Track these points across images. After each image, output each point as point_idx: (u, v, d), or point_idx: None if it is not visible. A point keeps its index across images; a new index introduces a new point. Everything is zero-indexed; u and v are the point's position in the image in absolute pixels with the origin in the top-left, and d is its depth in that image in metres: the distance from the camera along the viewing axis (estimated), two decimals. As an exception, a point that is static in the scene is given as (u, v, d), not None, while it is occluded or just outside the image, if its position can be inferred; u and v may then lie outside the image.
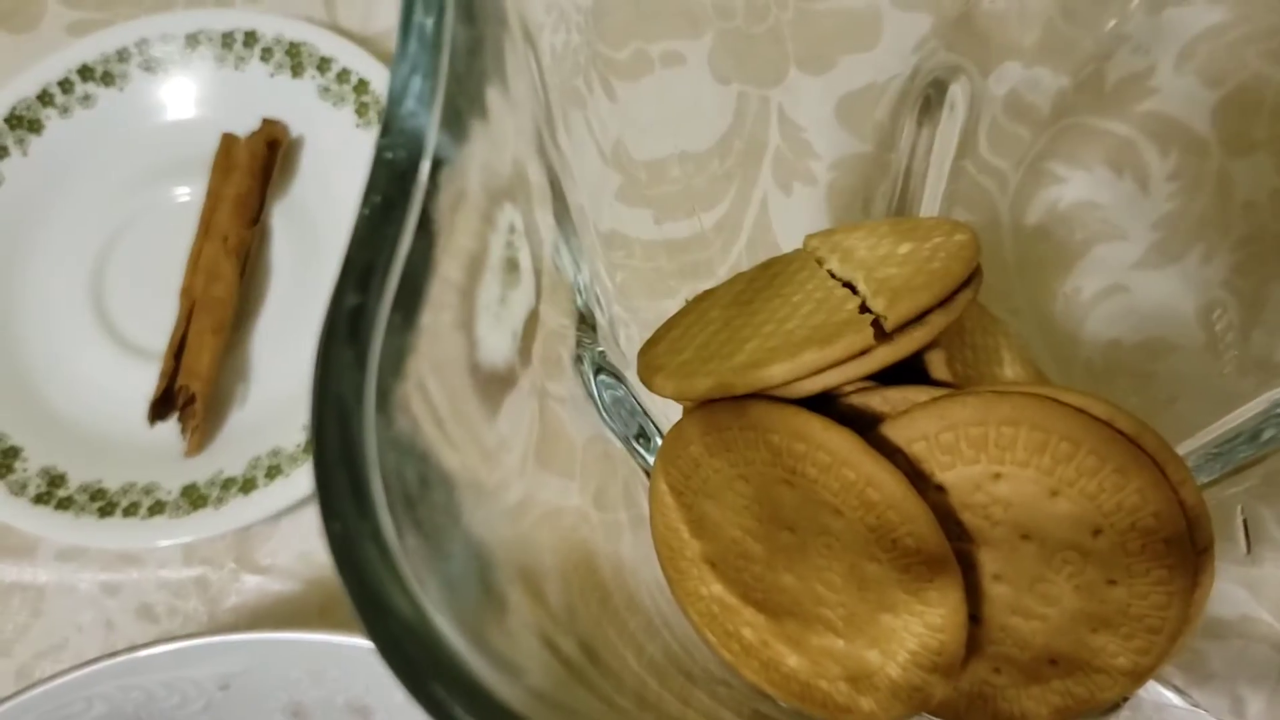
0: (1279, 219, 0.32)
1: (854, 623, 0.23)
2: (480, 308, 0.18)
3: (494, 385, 0.20)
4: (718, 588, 0.25)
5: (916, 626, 0.22)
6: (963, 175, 0.33)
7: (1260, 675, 0.27)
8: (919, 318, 0.22)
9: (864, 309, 0.23)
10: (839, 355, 0.22)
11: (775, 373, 0.22)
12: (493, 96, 0.17)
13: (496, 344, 0.19)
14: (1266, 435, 0.26)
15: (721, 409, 0.23)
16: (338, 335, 0.14)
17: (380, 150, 0.15)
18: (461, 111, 0.16)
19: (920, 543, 0.21)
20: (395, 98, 0.15)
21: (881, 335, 0.22)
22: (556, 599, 0.21)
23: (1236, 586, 0.28)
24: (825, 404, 0.23)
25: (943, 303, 0.23)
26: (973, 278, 0.24)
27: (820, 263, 0.25)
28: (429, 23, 0.15)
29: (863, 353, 0.22)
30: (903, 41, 0.32)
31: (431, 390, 0.16)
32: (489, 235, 0.18)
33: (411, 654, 0.13)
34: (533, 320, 0.22)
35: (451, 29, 0.16)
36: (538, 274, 0.22)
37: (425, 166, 0.15)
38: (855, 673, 0.23)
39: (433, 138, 0.15)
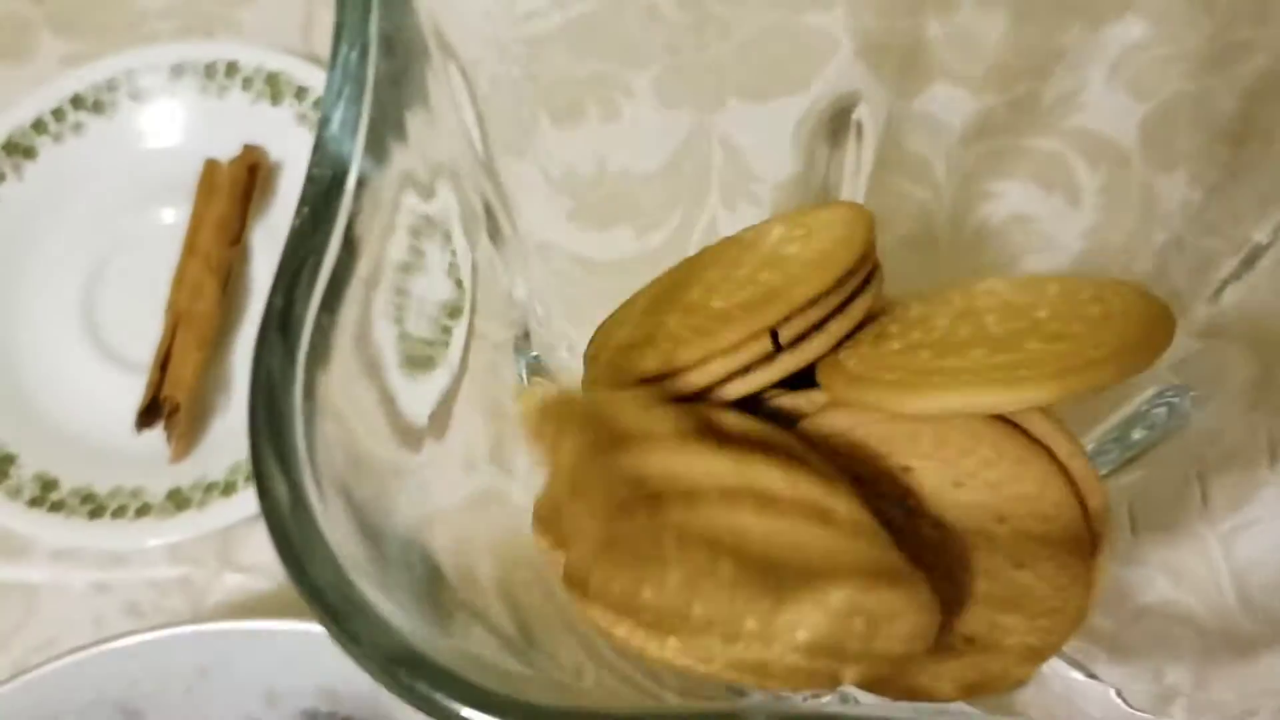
0: (1191, 227, 0.33)
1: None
2: (409, 312, 0.20)
3: (425, 386, 0.22)
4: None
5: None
6: (889, 189, 0.34)
7: (1181, 652, 0.28)
8: (819, 325, 0.23)
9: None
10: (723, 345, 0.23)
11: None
12: (414, 120, 0.19)
13: (427, 349, 0.21)
14: (1134, 436, 0.28)
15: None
16: (270, 329, 0.16)
17: (310, 169, 0.17)
18: (384, 136, 0.18)
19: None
20: (323, 122, 0.18)
21: (778, 346, 0.23)
22: (493, 585, 0.22)
23: (1159, 573, 0.30)
24: (754, 408, 0.24)
25: (841, 307, 0.24)
26: (870, 280, 0.24)
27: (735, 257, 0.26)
28: (353, 56, 0.18)
29: (767, 359, 0.23)
30: (835, 69, 0.33)
31: (358, 385, 0.18)
32: (412, 239, 0.20)
33: (335, 609, 0.15)
34: (470, 330, 0.24)
35: (375, 62, 0.18)
36: (474, 288, 0.24)
37: (349, 185, 0.17)
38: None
39: (356, 159, 0.17)
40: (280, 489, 0.15)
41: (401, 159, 0.19)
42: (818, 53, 0.33)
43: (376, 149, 0.18)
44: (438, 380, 0.22)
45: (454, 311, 0.23)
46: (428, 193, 0.21)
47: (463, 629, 0.19)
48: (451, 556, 0.20)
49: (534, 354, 0.28)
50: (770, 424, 0.23)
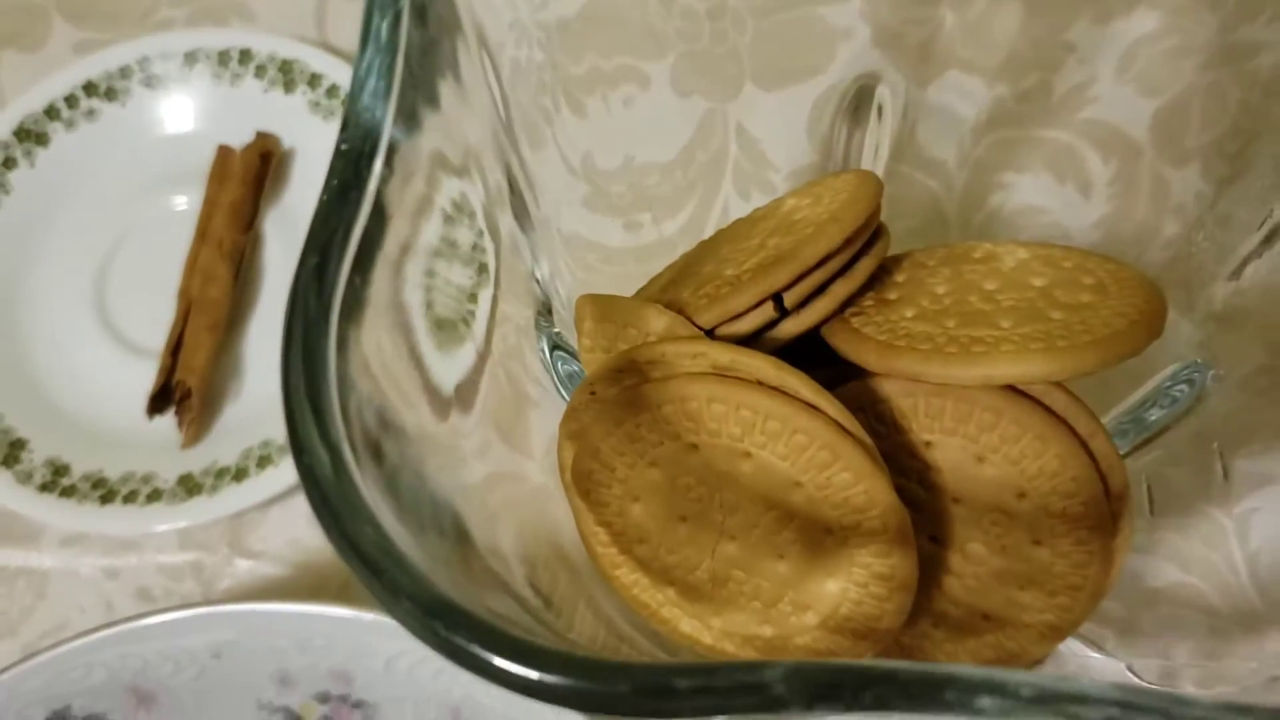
0: (1207, 214, 0.33)
1: (788, 584, 0.24)
2: (438, 284, 0.20)
3: (451, 360, 0.22)
4: (639, 576, 0.26)
5: (857, 581, 0.23)
6: (901, 177, 0.35)
7: (1187, 633, 0.29)
8: (821, 289, 0.24)
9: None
10: (741, 306, 0.23)
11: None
12: (445, 90, 0.19)
13: (455, 324, 0.21)
14: (1152, 416, 0.28)
15: (620, 403, 0.24)
16: (303, 287, 0.16)
17: (339, 144, 0.17)
18: (415, 104, 0.18)
19: (872, 501, 0.22)
20: (354, 93, 0.18)
21: (783, 309, 0.23)
22: (515, 556, 0.23)
23: (1166, 562, 0.30)
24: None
25: (842, 270, 0.24)
26: (875, 240, 0.25)
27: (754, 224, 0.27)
28: (384, 26, 0.18)
29: (768, 326, 0.23)
30: (850, 58, 0.33)
31: (387, 350, 0.18)
32: (440, 213, 0.20)
33: (368, 558, 0.15)
34: (494, 307, 0.24)
35: (407, 32, 0.18)
36: (497, 266, 0.24)
37: (380, 153, 0.17)
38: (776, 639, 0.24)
39: (387, 128, 0.18)
40: (317, 446, 0.15)
41: (432, 129, 0.19)
42: (833, 43, 0.34)
43: (407, 117, 0.18)
44: (464, 356, 0.22)
45: (476, 288, 0.23)
46: (455, 168, 0.21)
47: (490, 594, 0.19)
48: (478, 526, 0.20)
49: (556, 330, 0.28)
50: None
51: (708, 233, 0.36)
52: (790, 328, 0.24)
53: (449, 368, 0.21)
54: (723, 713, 0.14)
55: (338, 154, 0.17)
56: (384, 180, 0.17)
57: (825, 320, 0.24)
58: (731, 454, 0.23)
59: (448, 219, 0.21)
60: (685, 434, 0.23)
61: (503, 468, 0.25)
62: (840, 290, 0.24)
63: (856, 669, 0.14)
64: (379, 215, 0.17)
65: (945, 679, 0.14)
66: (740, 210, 0.37)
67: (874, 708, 0.14)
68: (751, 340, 0.24)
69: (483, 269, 0.23)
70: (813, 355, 0.27)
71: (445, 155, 0.20)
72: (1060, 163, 0.35)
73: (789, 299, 0.23)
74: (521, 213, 0.26)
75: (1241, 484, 0.28)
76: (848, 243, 0.24)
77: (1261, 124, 0.30)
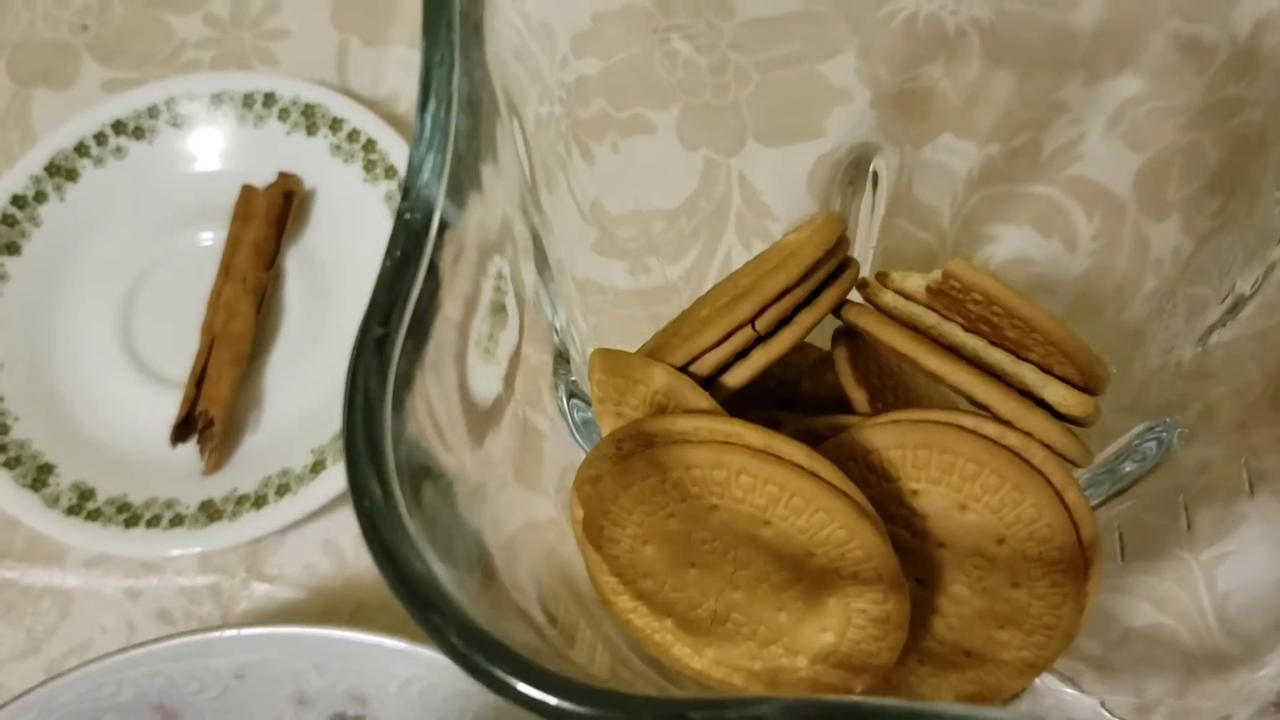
0: (1182, 275, 0.34)
1: (785, 631, 0.25)
2: (472, 341, 0.22)
3: (482, 406, 0.24)
4: (638, 604, 0.27)
5: (856, 629, 0.24)
6: (897, 232, 0.36)
7: (1163, 671, 0.30)
8: (789, 318, 0.25)
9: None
10: (709, 341, 0.25)
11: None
12: (486, 171, 0.21)
13: (485, 372, 0.23)
14: (1125, 469, 0.30)
15: (645, 460, 0.25)
16: (365, 355, 0.18)
17: (401, 214, 0.19)
18: (463, 183, 0.20)
19: (869, 555, 0.23)
20: (414, 171, 0.20)
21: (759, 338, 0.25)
22: (530, 580, 0.24)
23: (1143, 602, 0.32)
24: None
25: (807, 301, 0.26)
26: (841, 272, 0.26)
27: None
28: (440, 112, 0.20)
29: (741, 355, 0.25)
30: (849, 116, 0.35)
31: (434, 403, 0.20)
32: (481, 282, 0.22)
33: (419, 595, 0.17)
34: (516, 355, 0.26)
35: (456, 117, 0.20)
36: (521, 316, 0.26)
37: (434, 227, 0.19)
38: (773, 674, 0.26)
39: (440, 204, 0.19)
40: (375, 491, 0.17)
41: (478, 204, 0.21)
42: (832, 103, 0.35)
43: (457, 196, 0.20)
44: (490, 397, 0.24)
45: (495, 329, 0.25)
46: (493, 239, 0.23)
47: (511, 621, 0.21)
48: (501, 558, 0.22)
49: (573, 378, 0.30)
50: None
51: (710, 278, 0.38)
52: (760, 356, 0.25)
53: (481, 411, 0.23)
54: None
55: (401, 223, 0.19)
56: (437, 251, 0.19)
57: (793, 347, 0.26)
58: (753, 521, 0.24)
59: (484, 283, 0.22)
60: (708, 496, 0.24)
61: (518, 502, 0.27)
62: (806, 319, 0.26)
63: (848, 705, 0.16)
64: (432, 285, 0.19)
65: (930, 716, 0.16)
66: (742, 258, 0.38)
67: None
68: (724, 371, 0.26)
69: (500, 310, 0.25)
70: (809, 404, 0.29)
71: (485, 227, 0.22)
72: (1046, 218, 0.37)
73: (759, 324, 0.25)
74: (542, 263, 0.28)
75: (1209, 531, 0.30)
76: (809, 274, 0.26)
77: (1238, 180, 0.31)
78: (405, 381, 0.18)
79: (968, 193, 0.37)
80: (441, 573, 0.18)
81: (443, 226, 0.19)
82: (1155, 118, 0.33)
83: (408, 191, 0.19)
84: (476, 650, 0.17)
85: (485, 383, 0.24)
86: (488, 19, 0.21)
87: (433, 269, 0.19)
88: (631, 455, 0.25)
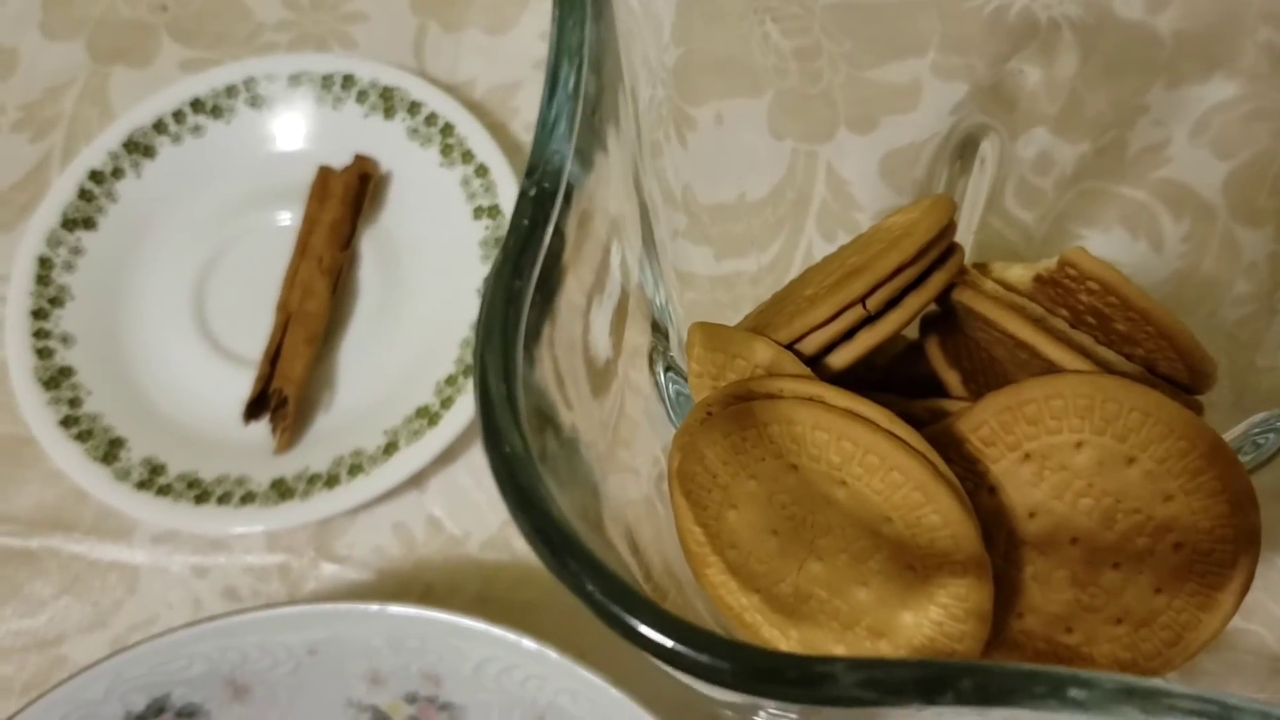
0: (1275, 279, 0.34)
1: (867, 610, 0.25)
2: (592, 300, 0.22)
3: (598, 366, 0.24)
4: (728, 579, 0.27)
5: (933, 618, 0.24)
6: (988, 228, 0.36)
7: (1248, 678, 0.30)
8: (897, 300, 0.25)
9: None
10: (819, 319, 0.25)
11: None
12: (610, 135, 0.21)
13: (600, 333, 0.23)
14: (1245, 458, 0.30)
15: (729, 416, 0.25)
16: (499, 305, 0.18)
17: (526, 189, 0.19)
18: (589, 147, 0.20)
19: (957, 546, 0.23)
20: (542, 138, 0.19)
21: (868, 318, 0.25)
22: (626, 549, 0.24)
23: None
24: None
25: (916, 284, 0.25)
26: (948, 256, 0.26)
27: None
28: (571, 76, 0.20)
29: (849, 334, 0.25)
30: (941, 105, 0.34)
31: (559, 357, 0.20)
32: (600, 246, 0.22)
33: (552, 538, 0.17)
34: (621, 326, 0.26)
35: (586, 81, 0.20)
36: (626, 287, 0.26)
37: (561, 191, 0.19)
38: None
39: (568, 167, 0.19)
40: (515, 437, 0.17)
41: (602, 167, 0.20)
42: (925, 90, 0.35)
43: (583, 158, 0.20)
44: (607, 367, 0.24)
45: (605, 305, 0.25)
46: (611, 206, 0.23)
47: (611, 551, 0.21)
48: (610, 522, 0.22)
49: (670, 354, 0.30)
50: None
51: (794, 267, 0.38)
52: (866, 338, 0.25)
53: (598, 370, 0.23)
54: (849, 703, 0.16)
55: (525, 198, 0.19)
56: (563, 214, 0.19)
57: (900, 330, 0.26)
58: (828, 480, 0.24)
59: (601, 246, 0.22)
60: (787, 454, 0.24)
61: (620, 469, 0.27)
62: (914, 302, 0.25)
63: (955, 665, 0.16)
64: (558, 243, 0.19)
65: (1033, 673, 0.15)
66: (824, 249, 0.38)
67: (975, 700, 0.15)
68: (831, 351, 0.26)
69: (619, 291, 0.25)
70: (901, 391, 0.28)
71: (606, 195, 0.22)
72: (1133, 219, 0.36)
73: (870, 304, 0.25)
74: (648, 239, 0.28)
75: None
76: (921, 254, 0.25)
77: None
78: (534, 333, 0.18)
79: (1058, 191, 0.37)
80: (568, 522, 0.18)
81: (570, 189, 0.19)
82: (1246, 122, 0.33)
83: (534, 159, 0.19)
84: (615, 600, 0.16)
85: (600, 345, 0.23)
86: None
87: (559, 230, 0.19)
88: (714, 415, 0.25)
